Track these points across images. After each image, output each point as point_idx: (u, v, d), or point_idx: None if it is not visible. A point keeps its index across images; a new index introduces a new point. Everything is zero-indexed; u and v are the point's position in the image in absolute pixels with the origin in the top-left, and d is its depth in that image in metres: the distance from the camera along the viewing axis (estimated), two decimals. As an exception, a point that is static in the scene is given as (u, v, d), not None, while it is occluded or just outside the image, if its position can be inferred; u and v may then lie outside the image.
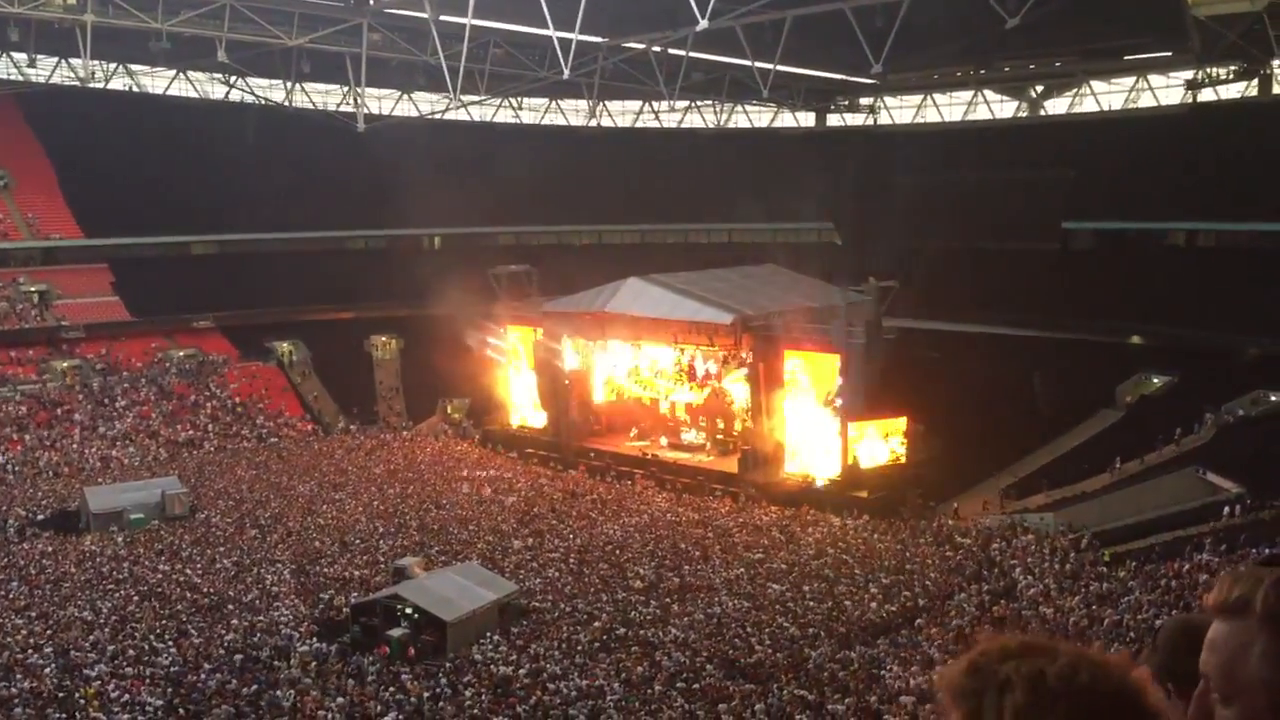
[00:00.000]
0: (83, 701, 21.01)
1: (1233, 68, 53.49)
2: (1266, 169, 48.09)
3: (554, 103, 72.01)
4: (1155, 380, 46.71)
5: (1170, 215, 53.35)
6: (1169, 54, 54.86)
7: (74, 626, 26.38)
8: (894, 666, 22.55)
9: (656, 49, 51.40)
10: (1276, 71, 53.03)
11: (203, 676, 22.70)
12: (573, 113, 72.31)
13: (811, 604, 27.85)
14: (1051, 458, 42.63)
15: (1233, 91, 55.39)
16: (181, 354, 55.80)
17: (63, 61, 56.98)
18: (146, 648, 24.67)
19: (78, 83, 55.11)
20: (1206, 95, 55.80)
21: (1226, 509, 32.52)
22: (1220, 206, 50.26)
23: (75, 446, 47.65)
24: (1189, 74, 56.09)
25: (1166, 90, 58.87)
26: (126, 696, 21.30)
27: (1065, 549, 31.38)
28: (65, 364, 52.66)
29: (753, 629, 25.94)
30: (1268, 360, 42.63)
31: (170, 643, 25.00)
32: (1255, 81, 54.16)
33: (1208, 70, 54.56)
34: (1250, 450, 37.08)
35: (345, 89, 61.49)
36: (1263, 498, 32.46)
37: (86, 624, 26.60)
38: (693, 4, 37.49)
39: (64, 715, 20.38)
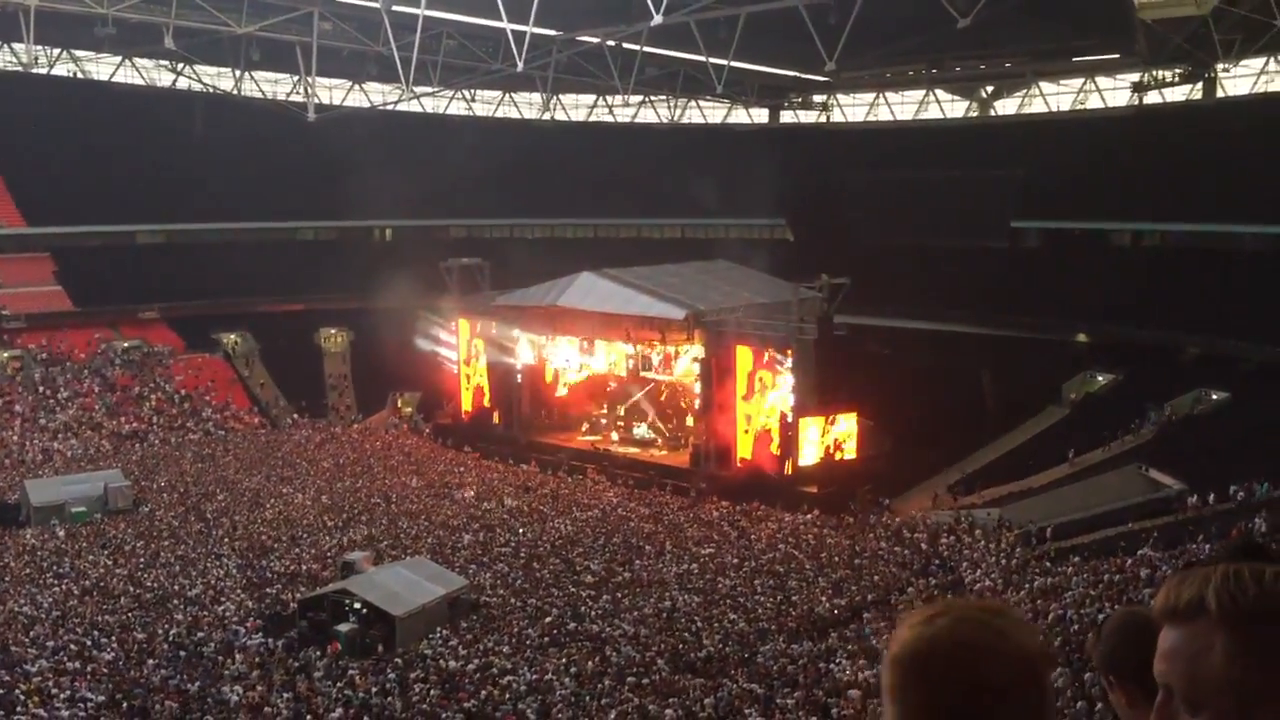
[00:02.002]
0: (22, 697, 20.61)
1: (1178, 71, 54.35)
2: (1210, 171, 48.99)
3: (507, 95, 71.67)
4: (1100, 378, 47.39)
5: (1116, 215, 54.19)
6: (1116, 56, 55.65)
7: (13, 621, 25.89)
8: (842, 660, 22.69)
9: (611, 43, 51.34)
10: (1221, 75, 53.94)
11: (146, 672, 22.36)
12: (526, 105, 72.03)
13: (761, 599, 27.97)
14: (999, 454, 43.13)
15: (1178, 94, 56.28)
16: (126, 345, 54.90)
17: (4, 46, 55.87)
18: (89, 643, 24.25)
19: (20, 68, 54.05)
20: (1152, 98, 56.68)
21: (1193, 499, 33.07)
22: (1165, 207, 51.11)
23: (16, 438, 46.76)
24: (1135, 76, 56.93)
25: (1113, 92, 59.78)
26: (68, 692, 20.93)
27: (1011, 544, 31.76)
28: (6, 354, 51.68)
29: (703, 624, 25.99)
30: (1209, 359, 43.43)
31: (113, 638, 24.61)
32: (1200, 85, 55.06)
33: (1154, 73, 55.39)
34: (1192, 447, 37.76)
35: (295, 78, 60.78)
36: (1204, 494, 33.05)
37: (27, 619, 26.13)
38: (647, -2, 37.47)
39: (3, 711, 19.98)
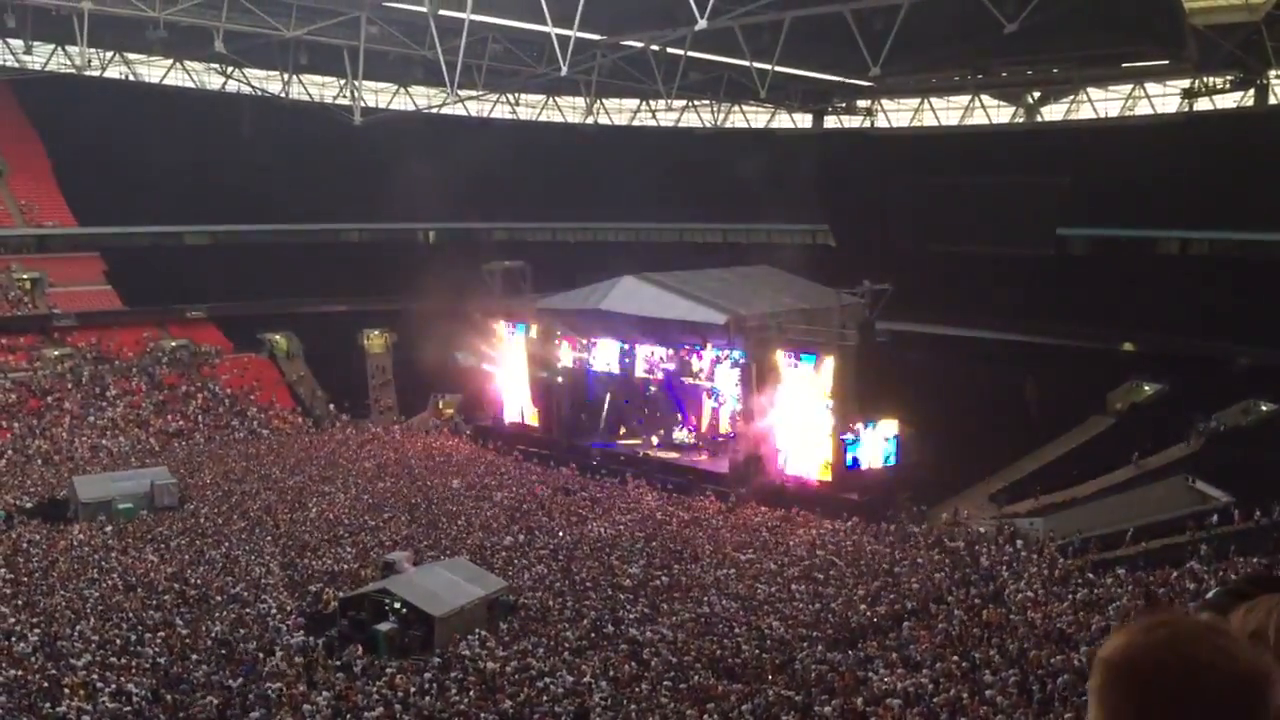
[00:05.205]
0: (68, 690, 20.93)
1: (1229, 77, 53.56)
2: (1261, 179, 48.21)
3: (551, 99, 71.89)
4: (1146, 388, 46.80)
5: (1164, 223, 53.49)
6: (1166, 62, 54.93)
7: (60, 615, 26.29)
8: (881, 669, 22.54)
9: (655, 48, 51.34)
10: (1273, 82, 53.11)
11: (189, 667, 22.63)
12: (570, 109, 72.21)
13: (800, 605, 27.86)
14: (1041, 463, 42.70)
15: (1229, 101, 55.46)
16: (173, 344, 55.66)
17: (59, 49, 56.74)
18: (133, 638, 24.58)
19: (74, 70, 54.90)
20: (1203, 104, 55.90)
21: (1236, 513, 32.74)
22: (1214, 215, 50.39)
23: (65, 435, 47.52)
24: (1185, 83, 56.16)
25: (1163, 99, 58.96)
26: (113, 686, 21.22)
27: (1053, 554, 31.42)
28: (57, 352, 52.52)
29: (741, 629, 25.93)
30: (1258, 370, 42.77)
31: (157, 633, 24.92)
32: (1251, 91, 54.23)
33: (1204, 79, 54.64)
34: (1240, 459, 37.20)
35: (342, 81, 61.26)
36: (1252, 507, 32.56)
37: (73, 613, 26.52)
38: (692, 3, 37.39)
39: (49, 704, 20.30)
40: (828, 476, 40.22)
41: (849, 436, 39.75)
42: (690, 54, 51.61)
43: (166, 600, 27.72)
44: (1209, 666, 1.56)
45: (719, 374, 45.39)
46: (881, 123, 71.22)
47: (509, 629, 26.28)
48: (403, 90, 67.50)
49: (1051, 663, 21.36)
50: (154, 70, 62.86)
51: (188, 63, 61.96)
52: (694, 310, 43.91)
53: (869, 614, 26.98)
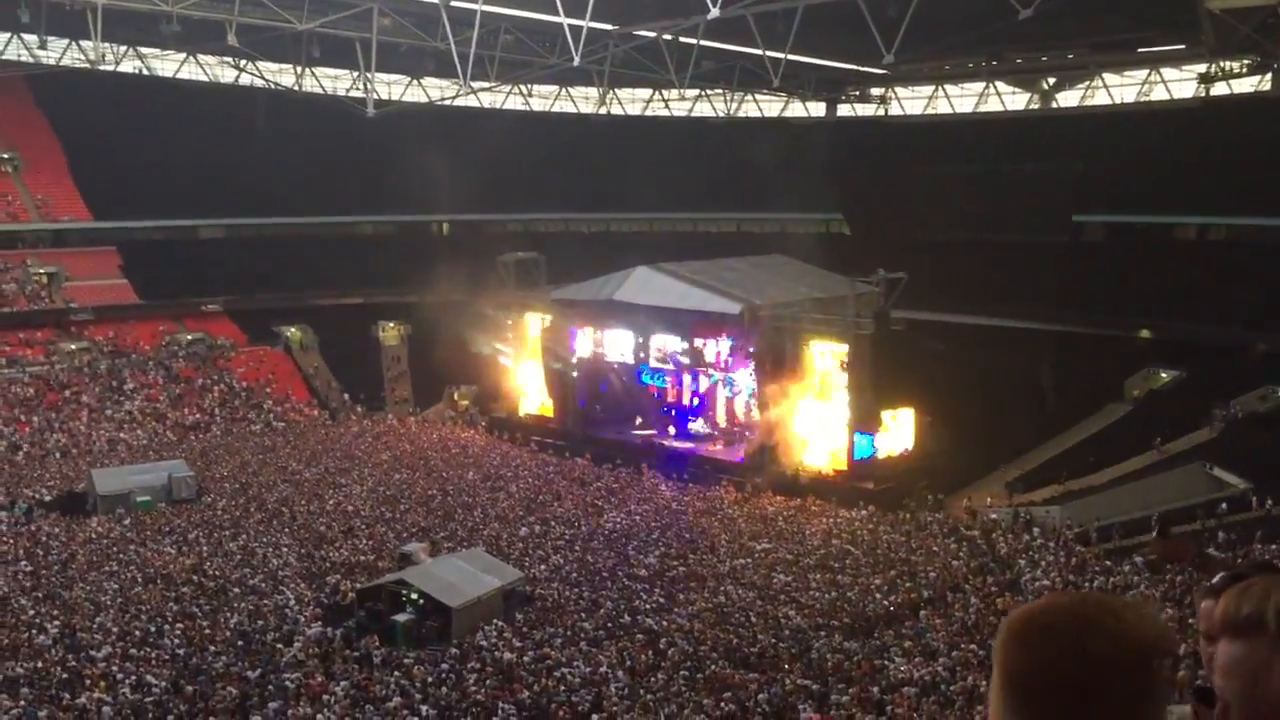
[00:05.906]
0: (89, 682, 21.07)
1: (1246, 62, 53.17)
2: (1278, 163, 47.83)
3: (564, 89, 71.85)
4: (1164, 375, 46.58)
5: (1181, 209, 53.13)
6: (1182, 47, 54.55)
7: (80, 608, 26.45)
8: (898, 658, 22.53)
9: (667, 37, 51.23)
10: (1290, 66, 52.73)
11: (208, 658, 22.76)
12: (582, 100, 72.15)
13: (816, 594, 27.85)
14: (1058, 451, 42.57)
15: (1246, 85, 55.08)
16: (189, 338, 55.89)
17: (73, 43, 56.94)
18: (152, 630, 24.72)
19: (88, 65, 55.02)
20: (1219, 89, 55.52)
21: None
22: (1232, 201, 50.02)
23: (83, 428, 47.77)
24: (1202, 67, 55.77)
25: (1179, 84, 58.58)
26: (133, 677, 21.36)
27: (1071, 542, 31.33)
28: (74, 346, 52.79)
29: (757, 618, 25.93)
30: (1276, 356, 42.50)
31: (177, 625, 25.05)
32: (1269, 76, 53.83)
33: (1221, 64, 54.25)
34: (1258, 446, 37.01)
35: (355, 74, 61.35)
36: (1270, 493, 32.39)
37: (93, 605, 26.67)
38: (704, -8, 37.27)
39: (70, 695, 20.44)
40: (843, 466, 40.19)
41: (862, 437, 39.72)
42: (703, 43, 51.48)
43: (185, 592, 27.86)
44: (1098, 632, 1.61)
45: (734, 363, 45.39)
46: (895, 110, 70.96)
47: (526, 619, 26.33)
48: (415, 82, 67.53)
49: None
50: (167, 64, 63.01)
51: (201, 56, 62.10)
52: (708, 300, 43.89)
53: (885, 603, 26.96)
